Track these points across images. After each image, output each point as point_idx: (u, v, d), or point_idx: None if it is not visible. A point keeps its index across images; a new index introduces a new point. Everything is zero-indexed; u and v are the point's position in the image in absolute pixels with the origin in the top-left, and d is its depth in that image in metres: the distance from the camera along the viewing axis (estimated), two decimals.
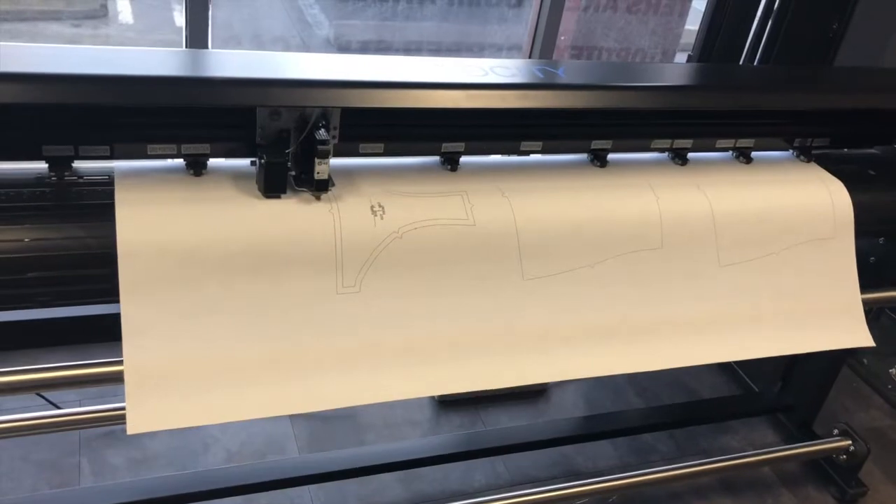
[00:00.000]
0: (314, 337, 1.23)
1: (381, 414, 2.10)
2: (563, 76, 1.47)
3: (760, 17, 2.29)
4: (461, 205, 1.33)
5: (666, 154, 1.58)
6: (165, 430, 1.71)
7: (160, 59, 1.31)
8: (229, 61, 1.39)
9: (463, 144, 1.40)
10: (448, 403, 2.17)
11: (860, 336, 1.62)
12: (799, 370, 2.21)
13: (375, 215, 1.26)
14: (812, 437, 2.19)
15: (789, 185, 1.60)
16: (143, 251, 1.12)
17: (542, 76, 1.43)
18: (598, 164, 1.50)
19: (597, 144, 1.50)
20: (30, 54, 1.20)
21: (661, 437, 2.20)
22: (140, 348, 1.12)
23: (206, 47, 2.05)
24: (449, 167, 1.40)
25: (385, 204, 1.28)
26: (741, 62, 2.33)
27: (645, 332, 1.45)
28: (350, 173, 1.32)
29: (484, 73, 1.39)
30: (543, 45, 2.37)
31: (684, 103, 1.51)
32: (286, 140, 1.22)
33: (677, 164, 1.57)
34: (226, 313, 1.18)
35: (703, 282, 1.50)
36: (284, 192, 1.23)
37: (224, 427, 1.95)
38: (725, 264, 1.51)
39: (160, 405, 1.14)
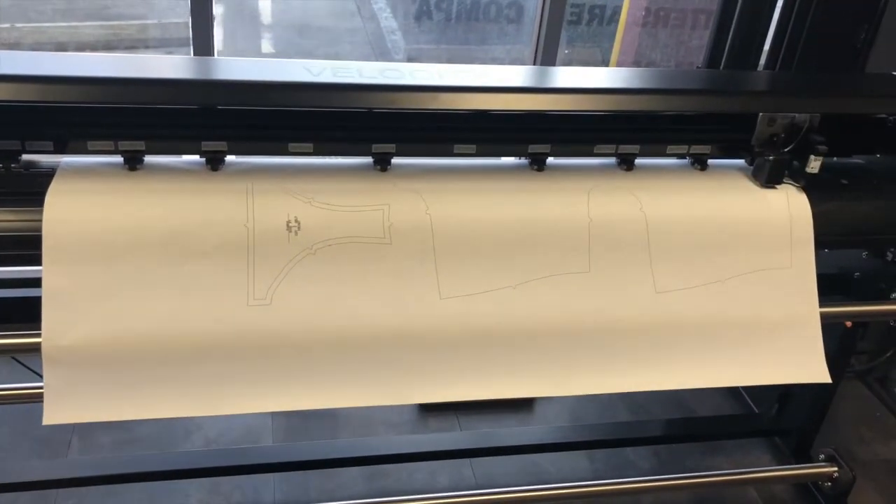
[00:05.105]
0: (222, 346, 1.28)
1: (360, 414, 2.16)
2: (510, 80, 1.51)
3: (777, 26, 2.21)
4: (380, 221, 1.33)
5: (613, 159, 1.57)
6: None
7: (125, 64, 1.45)
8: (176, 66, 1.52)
9: (394, 146, 1.44)
10: (429, 408, 2.20)
11: (816, 371, 1.52)
12: (795, 394, 2.12)
13: (290, 231, 1.29)
14: (806, 462, 2.09)
15: (740, 195, 1.51)
16: (66, 232, 1.22)
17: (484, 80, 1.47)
18: (536, 167, 1.51)
19: (534, 149, 1.50)
20: None
21: (644, 453, 2.14)
22: (59, 332, 1.22)
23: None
24: (379, 168, 1.45)
25: (302, 218, 1.30)
26: None
27: (560, 359, 1.42)
28: (280, 172, 1.37)
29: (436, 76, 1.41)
30: (544, 59, 2.40)
31: (619, 106, 1.49)
32: None
33: (623, 169, 1.55)
34: (140, 305, 1.25)
35: (635, 311, 1.43)
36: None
37: (207, 417, 2.06)
38: (662, 291, 1.45)
39: (76, 397, 1.22)
